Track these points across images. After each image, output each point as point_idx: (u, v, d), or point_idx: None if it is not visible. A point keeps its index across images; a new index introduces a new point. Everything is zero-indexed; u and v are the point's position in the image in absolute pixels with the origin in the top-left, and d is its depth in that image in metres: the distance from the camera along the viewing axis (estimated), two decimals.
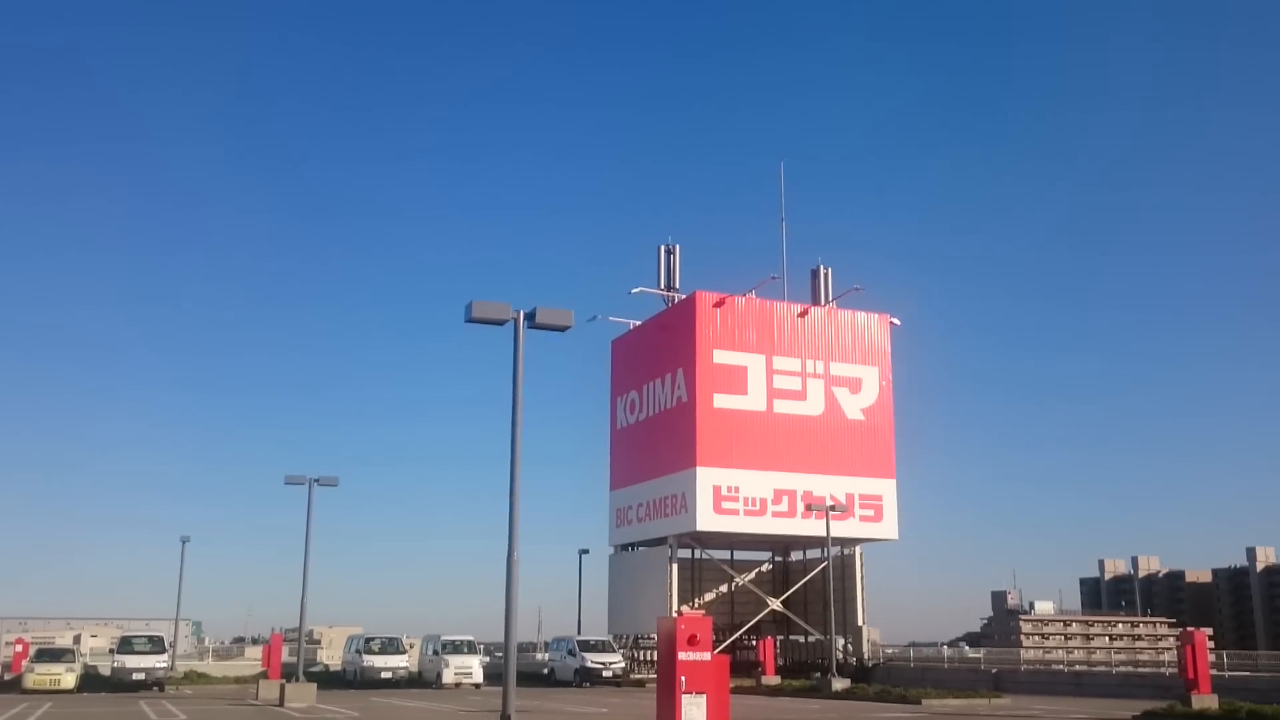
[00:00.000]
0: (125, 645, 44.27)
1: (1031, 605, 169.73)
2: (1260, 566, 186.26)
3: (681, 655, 11.41)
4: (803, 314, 54.98)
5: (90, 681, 44.09)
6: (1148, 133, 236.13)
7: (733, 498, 51.23)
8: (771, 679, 45.88)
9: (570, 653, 49.55)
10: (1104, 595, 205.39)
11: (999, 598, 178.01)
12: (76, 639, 72.81)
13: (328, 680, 46.91)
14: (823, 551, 48.18)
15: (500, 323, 16.72)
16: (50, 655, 43.90)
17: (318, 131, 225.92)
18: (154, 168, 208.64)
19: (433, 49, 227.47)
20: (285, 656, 42.77)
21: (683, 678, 11.37)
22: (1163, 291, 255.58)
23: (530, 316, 16.78)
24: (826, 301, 56.96)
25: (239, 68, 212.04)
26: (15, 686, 41.98)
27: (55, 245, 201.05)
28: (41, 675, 41.09)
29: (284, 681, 35.00)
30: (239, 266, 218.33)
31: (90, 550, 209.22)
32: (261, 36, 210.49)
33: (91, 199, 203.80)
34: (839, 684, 40.84)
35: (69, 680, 41.20)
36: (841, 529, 49.96)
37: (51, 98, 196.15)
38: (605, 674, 47.60)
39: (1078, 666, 51.56)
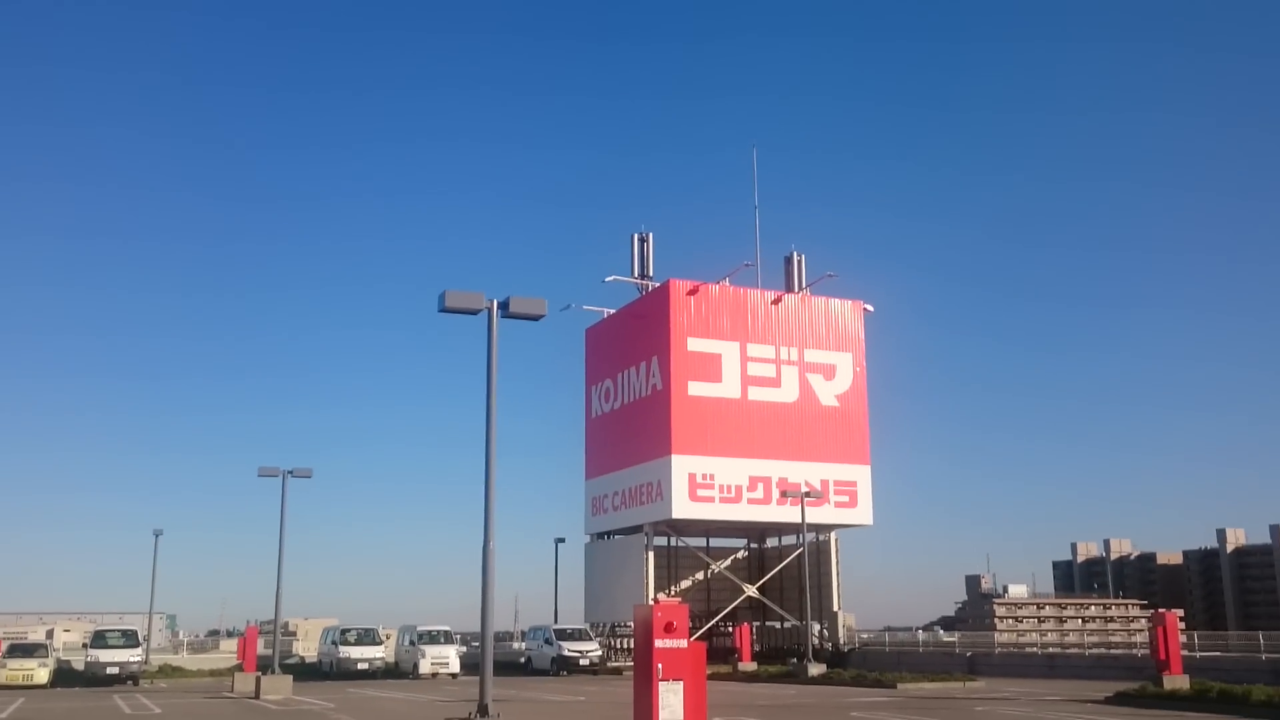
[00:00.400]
0: (99, 640, 44.00)
1: (1005, 589, 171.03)
2: (1230, 548, 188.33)
3: (658, 643, 11.41)
4: (776, 301, 55.09)
5: (63, 676, 43.80)
6: (1119, 128, 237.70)
7: (708, 485, 51.34)
8: (748, 665, 46.07)
9: (547, 641, 49.59)
10: (1076, 578, 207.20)
11: (973, 582, 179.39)
12: (49, 634, 72.12)
13: (304, 672, 46.84)
14: (798, 538, 48.42)
15: (474, 312, 16.64)
16: (22, 650, 43.57)
17: (291, 116, 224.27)
18: (125, 153, 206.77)
19: (402, 33, 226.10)
20: (261, 649, 42.62)
21: (660, 665, 11.37)
22: (1131, 284, 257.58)
23: (504, 306, 16.72)
24: (800, 288, 57.12)
25: (188, 50, 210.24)
26: None
27: (12, 229, 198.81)
28: (14, 671, 40.79)
29: (260, 674, 34.92)
30: (206, 252, 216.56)
31: (62, 544, 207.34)
32: (231, 18, 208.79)
33: (59, 182, 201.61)
34: (815, 669, 41.06)
35: (42, 675, 40.92)
36: (817, 515, 50.15)
37: None
38: (582, 662, 47.65)
39: (1051, 649, 52.02)
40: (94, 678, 41.72)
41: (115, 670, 41.86)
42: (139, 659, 43.51)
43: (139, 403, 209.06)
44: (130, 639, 44.14)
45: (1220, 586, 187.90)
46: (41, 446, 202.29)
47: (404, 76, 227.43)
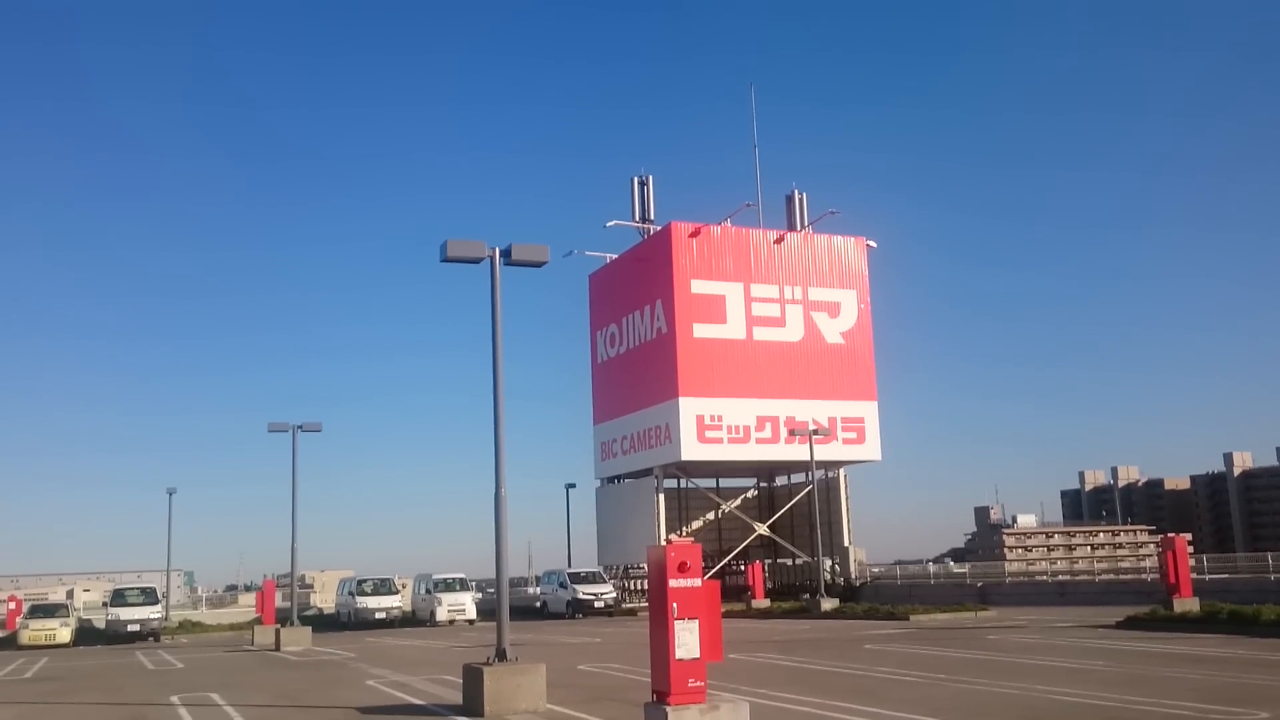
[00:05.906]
0: (118, 598, 44.32)
1: (1014, 519, 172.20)
2: (1237, 471, 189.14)
3: (672, 583, 11.49)
4: (779, 240, 54.86)
5: (85, 635, 44.21)
6: (1107, 61, 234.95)
7: (716, 426, 51.49)
8: (761, 602, 46.49)
9: (562, 585, 50.01)
10: (1085, 506, 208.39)
11: (982, 513, 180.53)
12: (69, 594, 73.02)
13: (322, 623, 47.32)
14: (807, 475, 48.59)
15: (476, 261, 16.53)
16: (44, 611, 43.96)
17: (289, 77, 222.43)
18: (115, 118, 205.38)
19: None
20: (279, 602, 43.03)
21: (674, 604, 11.47)
22: (1134, 206, 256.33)
23: (506, 253, 16.60)
24: (802, 227, 56.85)
25: (201, 15, 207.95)
26: (11, 644, 42.05)
27: (19, 195, 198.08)
28: (36, 631, 41.18)
29: (279, 626, 35.25)
30: (209, 212, 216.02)
31: (79, 506, 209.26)
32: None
33: (54, 149, 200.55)
34: (828, 604, 41.43)
35: (64, 635, 41.31)
36: (825, 452, 50.37)
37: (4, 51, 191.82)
38: (597, 605, 48.10)
39: (1061, 577, 52.41)
40: (115, 635, 42.06)
41: (136, 627, 42.19)
42: (159, 616, 43.85)
43: (150, 363, 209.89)
44: (150, 596, 44.49)
45: (1228, 510, 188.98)
46: (55, 409, 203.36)
47: (405, 38, 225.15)
